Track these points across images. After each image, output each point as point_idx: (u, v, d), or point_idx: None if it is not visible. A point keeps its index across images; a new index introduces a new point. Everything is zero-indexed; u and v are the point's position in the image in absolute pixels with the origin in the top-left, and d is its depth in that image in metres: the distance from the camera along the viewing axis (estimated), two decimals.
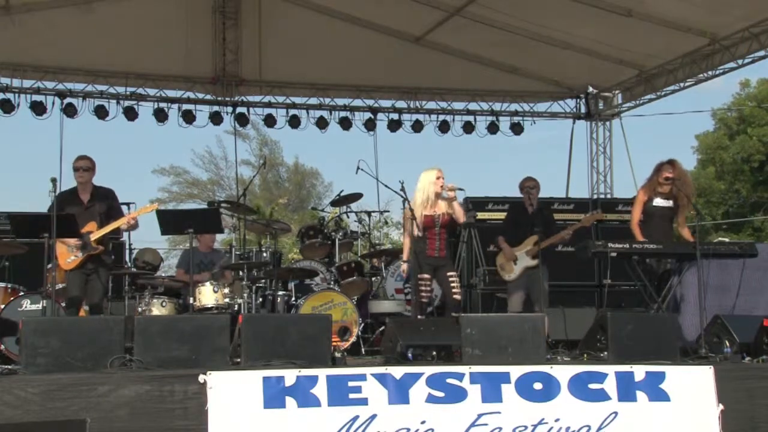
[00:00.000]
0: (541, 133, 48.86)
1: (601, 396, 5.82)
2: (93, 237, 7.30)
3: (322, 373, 5.50)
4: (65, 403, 5.09)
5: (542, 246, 8.12)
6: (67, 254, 7.22)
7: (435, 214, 7.49)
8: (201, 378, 5.28)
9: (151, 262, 9.08)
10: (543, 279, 8.21)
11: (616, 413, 5.77)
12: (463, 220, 7.69)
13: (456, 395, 5.61)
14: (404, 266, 7.73)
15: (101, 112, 11.67)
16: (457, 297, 7.51)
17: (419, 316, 7.46)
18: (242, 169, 31.69)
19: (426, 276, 7.47)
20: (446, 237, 7.61)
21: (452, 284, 7.49)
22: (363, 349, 8.55)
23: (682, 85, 11.74)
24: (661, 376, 5.95)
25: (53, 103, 11.48)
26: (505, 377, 5.73)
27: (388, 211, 11.67)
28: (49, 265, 6.77)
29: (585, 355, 6.52)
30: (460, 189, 7.56)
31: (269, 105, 12.38)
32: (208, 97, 12.16)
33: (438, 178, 7.52)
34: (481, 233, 9.98)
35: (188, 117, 11.99)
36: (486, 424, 5.57)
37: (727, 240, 13.49)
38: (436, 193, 7.50)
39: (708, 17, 10.07)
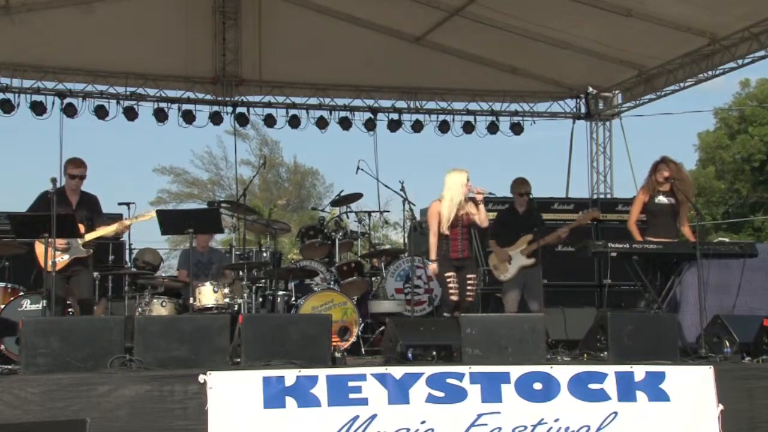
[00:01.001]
0: (541, 133, 48.82)
1: (601, 396, 5.82)
2: (81, 240, 7.32)
3: (322, 373, 5.50)
4: (65, 403, 5.09)
5: (537, 246, 8.15)
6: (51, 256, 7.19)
7: (458, 214, 7.50)
8: (201, 378, 5.29)
9: (151, 262, 9.07)
10: (540, 279, 8.25)
11: (616, 413, 5.77)
12: (486, 224, 7.66)
13: (456, 395, 5.61)
14: (433, 266, 7.59)
15: (101, 112, 11.68)
16: (470, 299, 7.53)
17: (445, 314, 7.53)
18: (242, 169, 31.72)
19: (451, 273, 7.48)
20: (469, 237, 7.61)
21: (468, 286, 7.51)
22: (363, 349, 8.55)
23: (682, 85, 11.75)
24: (661, 376, 5.95)
25: (53, 103, 11.49)
26: (505, 377, 5.73)
27: (388, 211, 11.67)
28: (50, 262, 6.77)
29: (585, 355, 6.52)
30: (490, 193, 7.54)
31: (269, 105, 12.39)
32: (208, 97, 12.17)
33: (468, 181, 7.52)
34: (481, 233, 9.96)
35: (188, 117, 11.99)
36: (486, 424, 5.57)
37: (727, 240, 13.49)
38: (464, 195, 7.49)
39: (708, 17, 10.07)
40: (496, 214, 9.26)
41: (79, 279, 7.43)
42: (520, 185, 8.54)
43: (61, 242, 7.16)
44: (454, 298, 7.49)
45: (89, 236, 7.38)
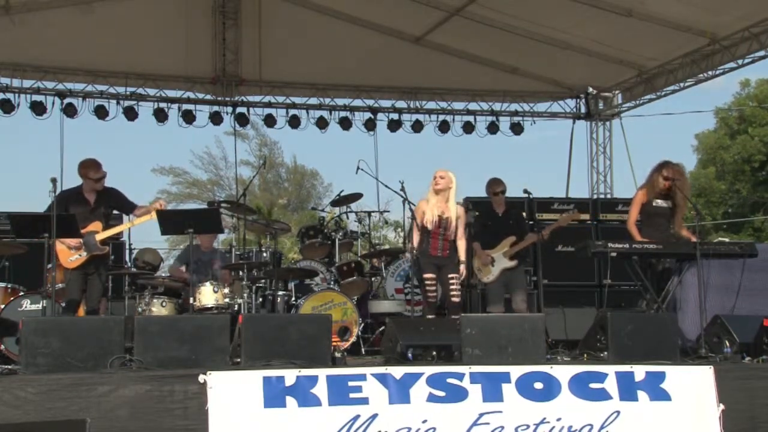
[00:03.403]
0: (541, 133, 48.90)
1: (603, 395, 5.81)
2: (99, 237, 7.31)
3: (322, 373, 5.49)
4: (65, 403, 5.08)
5: (519, 248, 8.22)
6: (69, 253, 7.22)
7: (442, 215, 7.53)
8: (201, 378, 5.28)
9: (151, 262, 9.06)
10: (522, 274, 8.43)
11: (618, 412, 5.76)
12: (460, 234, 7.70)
13: (457, 395, 5.61)
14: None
15: (101, 112, 11.68)
16: (455, 299, 7.53)
17: (429, 316, 7.54)
18: (242, 170, 31.72)
19: (430, 275, 7.55)
20: (451, 238, 7.62)
21: (451, 286, 7.53)
22: (363, 349, 8.55)
23: (682, 85, 11.76)
24: (661, 376, 5.95)
25: (53, 103, 11.50)
26: (505, 377, 5.73)
27: (388, 211, 11.67)
28: (49, 265, 6.77)
29: (585, 355, 6.52)
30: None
31: (269, 105, 12.40)
32: (208, 97, 12.17)
33: (434, 177, 7.61)
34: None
35: (188, 117, 12.00)
36: (488, 423, 5.56)
37: (727, 240, 13.48)
38: (434, 191, 7.56)
39: (708, 17, 10.08)
40: (476, 215, 9.28)
41: (92, 284, 7.42)
42: (494, 185, 8.55)
43: (74, 241, 7.17)
44: (432, 300, 7.56)
45: (105, 234, 7.38)
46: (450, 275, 7.54)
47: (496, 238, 8.40)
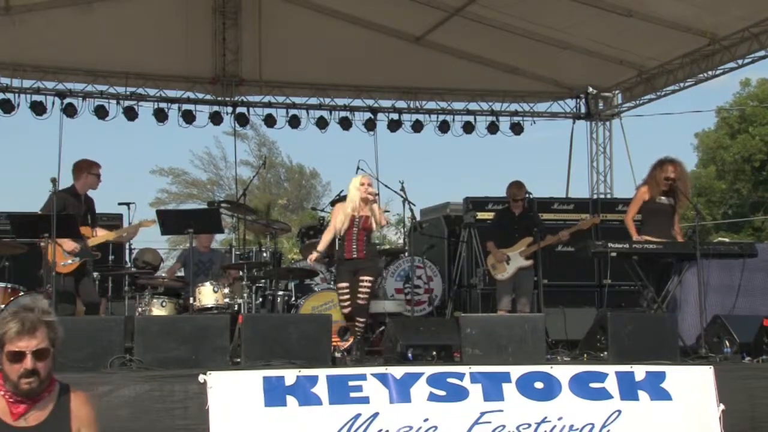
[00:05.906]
0: (541, 133, 48.90)
1: (604, 395, 5.82)
2: (91, 243, 7.33)
3: (322, 373, 5.50)
4: None
5: (537, 248, 8.24)
6: (62, 257, 7.16)
7: (356, 216, 7.34)
8: (201, 378, 5.28)
9: (151, 262, 9.06)
10: (532, 278, 8.44)
11: (619, 411, 5.77)
12: (383, 224, 7.56)
13: (457, 394, 5.62)
14: (312, 255, 7.71)
15: (101, 112, 11.66)
16: (360, 302, 7.28)
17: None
18: (242, 170, 31.72)
19: (343, 285, 7.35)
20: (365, 239, 7.39)
21: (360, 289, 7.25)
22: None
23: (682, 85, 11.74)
24: (661, 375, 5.96)
25: (53, 103, 11.46)
26: (505, 377, 5.74)
27: (388, 211, 11.66)
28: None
29: (585, 355, 6.52)
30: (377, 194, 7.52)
31: (269, 105, 12.37)
32: (208, 97, 12.15)
33: (362, 184, 7.38)
34: (481, 233, 9.94)
35: (188, 117, 11.97)
36: (489, 422, 5.57)
37: (727, 240, 13.48)
38: (361, 198, 7.34)
39: (708, 17, 10.07)
40: (493, 215, 9.31)
41: (86, 283, 7.44)
42: (516, 191, 8.58)
43: (71, 245, 7.14)
44: (346, 310, 7.36)
45: (98, 240, 7.42)
46: (362, 277, 7.26)
47: (512, 238, 8.47)
